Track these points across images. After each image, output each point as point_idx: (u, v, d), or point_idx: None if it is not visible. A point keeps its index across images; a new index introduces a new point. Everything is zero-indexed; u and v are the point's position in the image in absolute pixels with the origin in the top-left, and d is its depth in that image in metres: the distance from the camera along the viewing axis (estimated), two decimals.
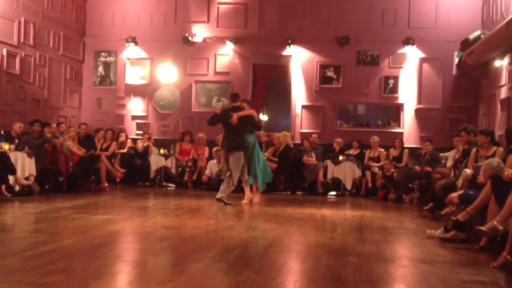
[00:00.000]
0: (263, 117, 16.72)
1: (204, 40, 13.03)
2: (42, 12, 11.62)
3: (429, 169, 9.70)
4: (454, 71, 12.19)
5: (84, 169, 10.28)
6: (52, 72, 12.11)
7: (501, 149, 6.60)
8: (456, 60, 12.03)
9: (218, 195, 8.45)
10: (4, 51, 10.40)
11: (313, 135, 12.06)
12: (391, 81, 12.49)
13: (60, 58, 12.40)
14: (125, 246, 5.19)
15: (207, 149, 12.08)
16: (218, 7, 13.03)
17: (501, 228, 4.62)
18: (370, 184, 11.07)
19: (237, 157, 8.46)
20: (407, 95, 12.43)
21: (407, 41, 12.26)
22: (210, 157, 11.77)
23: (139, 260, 4.45)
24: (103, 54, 13.42)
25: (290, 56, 12.82)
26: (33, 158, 9.06)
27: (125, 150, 11.94)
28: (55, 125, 10.97)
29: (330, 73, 12.73)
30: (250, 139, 8.56)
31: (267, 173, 9.06)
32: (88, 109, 13.38)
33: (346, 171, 11.11)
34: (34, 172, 9.08)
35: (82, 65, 13.40)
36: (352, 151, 11.66)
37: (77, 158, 10.26)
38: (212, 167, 11.30)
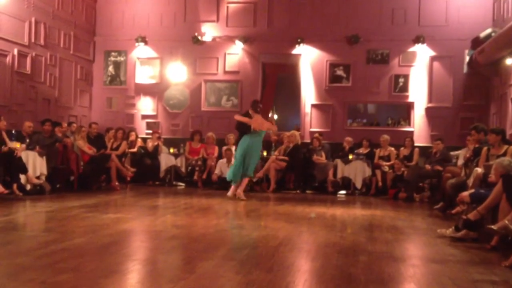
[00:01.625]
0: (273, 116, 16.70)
1: (214, 39, 13.05)
2: (53, 12, 11.69)
3: (439, 168, 9.65)
4: (465, 70, 12.10)
5: (94, 168, 10.33)
6: (63, 72, 12.18)
7: None
8: (467, 58, 11.94)
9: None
10: (15, 51, 10.47)
11: (316, 134, 11.99)
12: (401, 80, 12.43)
13: (70, 58, 12.47)
14: (135, 245, 5.21)
15: (216, 148, 12.09)
16: (227, 6, 13.04)
17: None
18: (380, 183, 11.03)
19: None
20: (418, 94, 12.36)
21: (418, 40, 12.19)
22: (220, 156, 11.77)
23: (149, 258, 4.47)
24: (113, 53, 13.48)
25: (300, 55, 12.80)
26: (44, 158, 9.13)
27: (135, 150, 11.99)
28: (65, 125, 11.02)
29: (339, 72, 12.69)
30: (241, 140, 9.47)
31: (236, 173, 9.44)
32: (99, 109, 13.45)
33: (356, 170, 11.08)
34: (45, 171, 9.15)
35: (93, 64, 13.46)
36: (362, 150, 11.62)
37: (87, 157, 10.32)
38: (221, 166, 11.31)
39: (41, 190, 8.88)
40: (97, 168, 10.41)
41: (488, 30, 11.02)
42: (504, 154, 6.42)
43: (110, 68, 13.49)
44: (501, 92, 10.82)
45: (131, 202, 8.84)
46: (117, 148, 11.22)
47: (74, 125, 11.33)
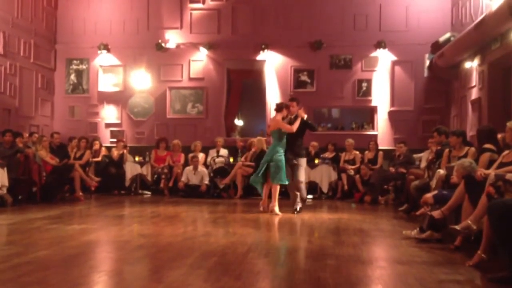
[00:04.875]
0: (238, 122, 16.72)
1: (178, 46, 12.98)
2: (12, 20, 11.42)
3: (403, 170, 9.81)
4: (426, 73, 12.36)
5: (57, 179, 10.11)
6: (23, 81, 11.90)
7: (473, 149, 6.73)
8: (427, 62, 12.21)
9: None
10: None
11: None
12: (364, 84, 12.61)
13: (31, 67, 12.20)
14: (101, 256, 5.13)
15: (183, 155, 12.02)
16: (191, 13, 13.00)
17: (474, 227, 4.70)
18: (346, 187, 11.15)
19: None
20: (380, 98, 12.55)
21: (379, 45, 12.40)
22: (186, 164, 11.70)
23: (116, 269, 4.40)
24: (75, 61, 13.26)
25: (264, 61, 12.85)
26: (5, 169, 8.89)
27: (99, 159, 11.80)
28: (27, 135, 10.78)
29: (304, 77, 12.80)
30: None
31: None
32: (61, 118, 13.19)
33: (322, 174, 11.19)
34: (6, 183, 8.89)
35: (54, 73, 13.21)
36: (327, 154, 11.75)
37: (50, 167, 10.11)
38: (188, 174, 11.25)
39: (2, 202, 8.65)
40: (60, 179, 10.20)
41: (447, 35, 11.30)
42: (465, 156, 6.58)
43: (72, 77, 13.27)
44: (461, 94, 11.09)
45: (96, 212, 8.71)
46: (80, 158, 11.04)
47: (36, 135, 11.09)
